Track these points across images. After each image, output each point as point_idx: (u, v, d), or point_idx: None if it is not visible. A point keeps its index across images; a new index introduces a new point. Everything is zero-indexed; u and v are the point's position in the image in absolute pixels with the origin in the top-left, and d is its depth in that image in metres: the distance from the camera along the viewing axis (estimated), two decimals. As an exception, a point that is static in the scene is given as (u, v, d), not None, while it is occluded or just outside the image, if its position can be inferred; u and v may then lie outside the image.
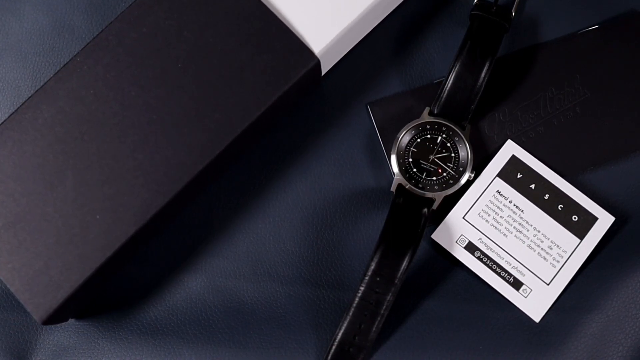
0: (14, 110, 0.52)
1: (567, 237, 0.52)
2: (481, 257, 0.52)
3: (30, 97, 0.49)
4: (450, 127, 0.52)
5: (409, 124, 0.52)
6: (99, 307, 0.53)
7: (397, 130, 0.52)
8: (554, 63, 0.55)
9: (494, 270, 0.52)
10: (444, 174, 0.52)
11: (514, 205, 0.52)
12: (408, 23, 0.56)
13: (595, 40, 0.55)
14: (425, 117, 0.52)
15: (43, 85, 0.49)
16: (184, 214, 0.54)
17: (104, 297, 0.53)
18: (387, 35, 0.56)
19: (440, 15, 0.57)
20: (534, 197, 0.52)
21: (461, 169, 0.52)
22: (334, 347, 0.50)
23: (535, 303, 0.51)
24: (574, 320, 0.51)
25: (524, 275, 0.51)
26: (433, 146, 0.52)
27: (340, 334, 0.50)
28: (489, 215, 0.52)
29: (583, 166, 0.54)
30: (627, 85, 0.54)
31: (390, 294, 0.49)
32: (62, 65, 0.54)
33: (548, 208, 0.52)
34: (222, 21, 0.50)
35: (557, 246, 0.52)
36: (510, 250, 0.52)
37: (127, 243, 0.48)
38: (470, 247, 0.52)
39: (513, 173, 0.53)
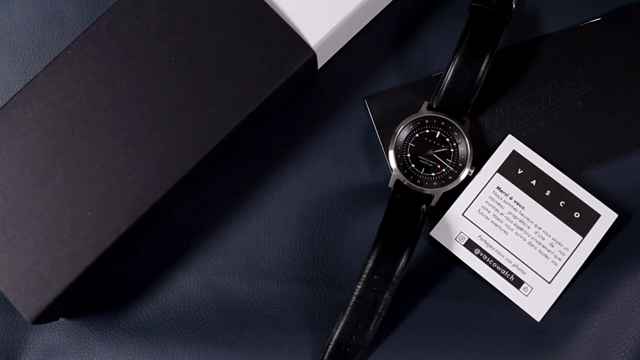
0: (2, 104, 0.52)
1: (568, 234, 0.51)
2: (481, 254, 0.51)
3: (19, 91, 0.49)
4: (450, 121, 0.51)
5: (407, 118, 0.52)
6: (90, 306, 0.53)
7: (395, 125, 0.52)
8: (556, 56, 0.55)
9: (494, 268, 0.51)
10: (443, 170, 0.51)
11: (515, 201, 0.52)
12: (406, 15, 0.56)
13: (597, 32, 0.55)
14: (424, 112, 0.52)
15: (33, 79, 0.49)
16: (176, 210, 0.54)
17: (95, 295, 0.53)
18: (385, 28, 0.56)
19: (439, 7, 0.57)
20: (535, 194, 0.52)
21: (460, 164, 0.51)
22: (330, 347, 0.50)
23: (536, 302, 0.51)
24: (576, 319, 0.51)
25: (524, 273, 0.51)
26: (432, 141, 0.52)
27: (336, 333, 0.49)
28: (489, 212, 0.52)
29: (585, 162, 0.53)
30: (630, 78, 0.54)
31: (388, 293, 0.49)
32: (52, 59, 0.54)
33: (549, 205, 0.52)
34: (216, 13, 0.50)
35: (559, 243, 0.51)
36: (510, 247, 0.51)
37: (118, 240, 0.48)
38: (470, 245, 0.52)
39: (513, 169, 0.53)
